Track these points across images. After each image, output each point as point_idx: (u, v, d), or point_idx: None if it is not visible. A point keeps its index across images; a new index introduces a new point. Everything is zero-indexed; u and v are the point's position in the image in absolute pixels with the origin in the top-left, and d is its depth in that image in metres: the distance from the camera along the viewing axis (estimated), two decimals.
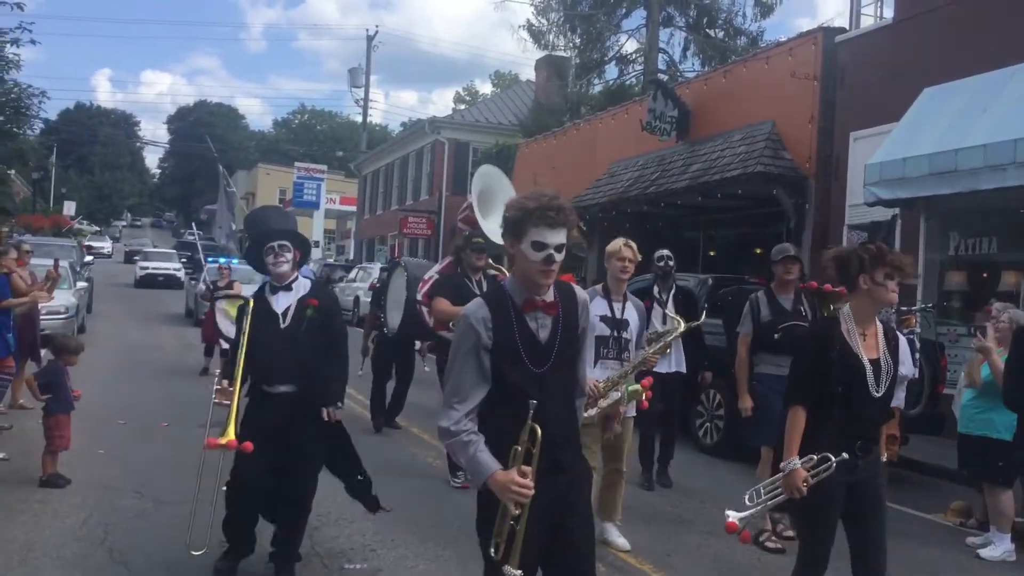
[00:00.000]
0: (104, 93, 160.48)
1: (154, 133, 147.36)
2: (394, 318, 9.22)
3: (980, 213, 10.73)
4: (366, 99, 40.69)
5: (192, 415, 8.04)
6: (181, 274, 33.38)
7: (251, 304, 4.80)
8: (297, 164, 47.42)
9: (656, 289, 7.78)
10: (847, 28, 13.61)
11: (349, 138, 74.04)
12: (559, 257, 2.97)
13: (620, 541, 5.82)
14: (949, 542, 6.47)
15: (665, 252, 7.89)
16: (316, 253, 41.13)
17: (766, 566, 5.68)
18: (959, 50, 10.86)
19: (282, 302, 4.80)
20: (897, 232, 11.33)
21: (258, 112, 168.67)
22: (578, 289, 3.25)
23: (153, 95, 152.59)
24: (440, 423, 2.99)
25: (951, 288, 11.24)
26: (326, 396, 4.76)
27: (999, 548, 6.11)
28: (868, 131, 12.19)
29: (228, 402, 4.58)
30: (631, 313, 5.70)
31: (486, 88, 59.16)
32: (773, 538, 6.04)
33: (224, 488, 4.79)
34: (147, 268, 33.85)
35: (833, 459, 3.71)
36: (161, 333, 18.56)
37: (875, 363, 3.82)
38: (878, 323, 3.97)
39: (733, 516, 3.92)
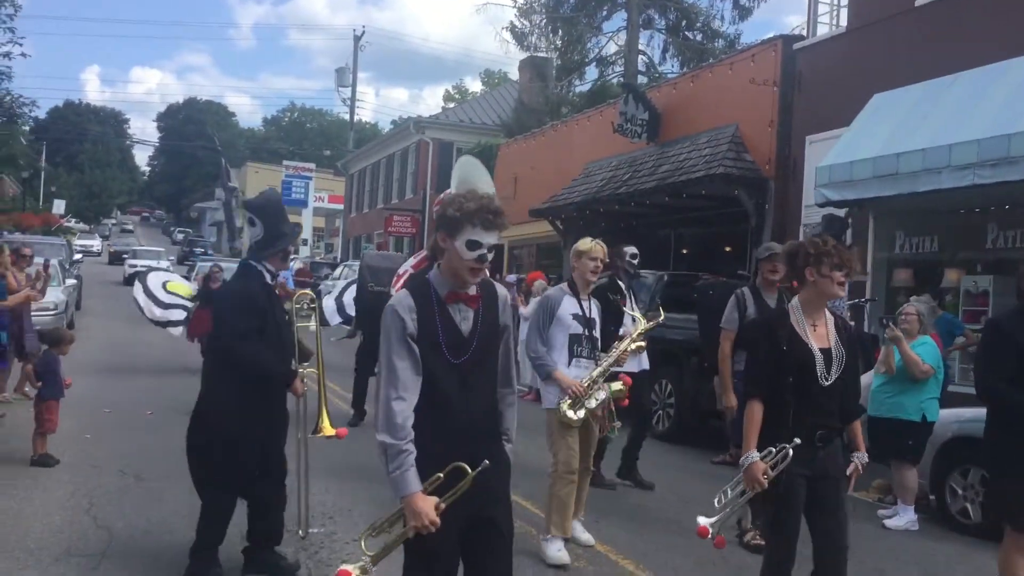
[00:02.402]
0: (93, 91, 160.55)
1: (143, 131, 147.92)
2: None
3: (923, 213, 11.33)
4: (353, 98, 41.21)
5: (177, 406, 8.37)
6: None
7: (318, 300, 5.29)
8: (285, 163, 47.89)
9: (623, 286, 7.38)
10: (805, 36, 14.21)
11: (339, 136, 74.45)
12: (490, 257, 3.10)
13: (584, 536, 5.75)
14: (864, 515, 7.05)
15: (634, 249, 7.59)
16: (304, 251, 41.71)
17: (738, 557, 5.66)
18: (907, 58, 11.44)
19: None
20: (849, 231, 11.92)
21: (248, 110, 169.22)
22: (499, 286, 3.33)
23: (142, 93, 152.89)
24: (388, 417, 2.96)
25: (898, 284, 11.83)
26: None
27: (903, 519, 6.75)
28: (822, 135, 12.77)
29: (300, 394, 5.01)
30: (595, 312, 5.82)
31: (476, 86, 59.71)
32: (757, 535, 5.76)
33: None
34: (136, 266, 34.27)
35: (789, 447, 3.78)
36: (149, 330, 18.75)
37: (825, 352, 3.91)
38: (828, 315, 4.04)
39: (704, 521, 3.90)
